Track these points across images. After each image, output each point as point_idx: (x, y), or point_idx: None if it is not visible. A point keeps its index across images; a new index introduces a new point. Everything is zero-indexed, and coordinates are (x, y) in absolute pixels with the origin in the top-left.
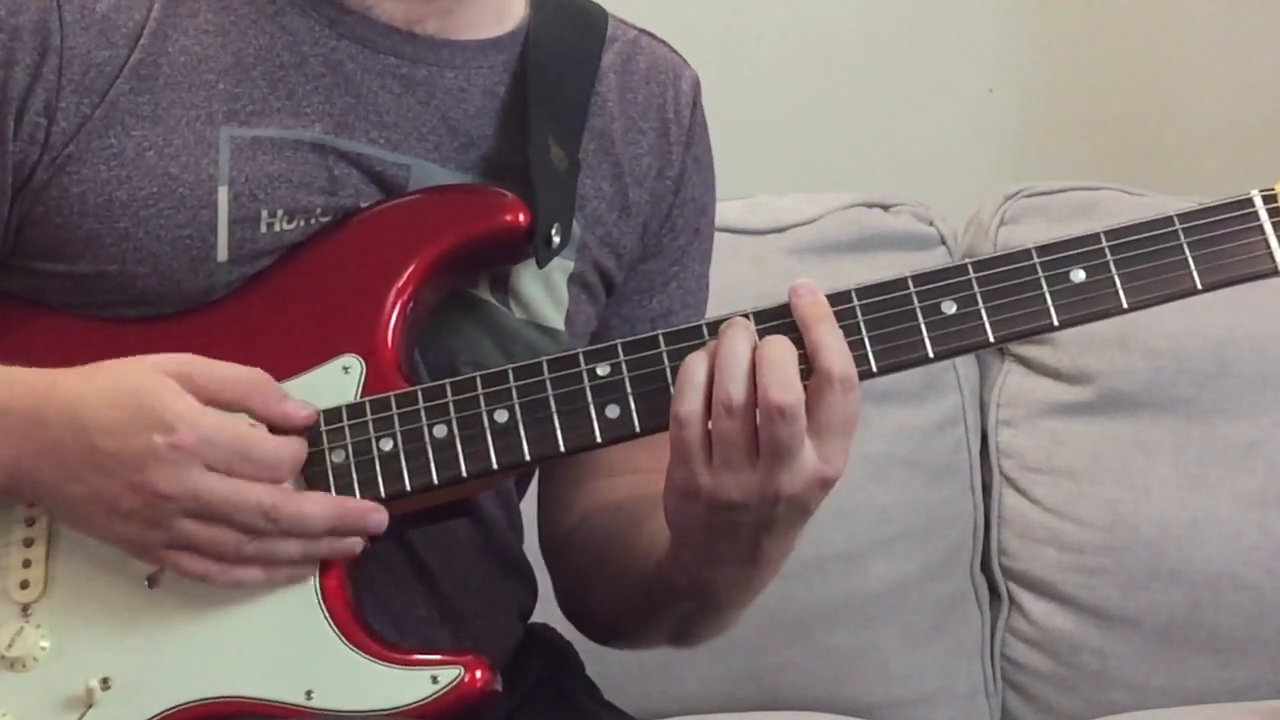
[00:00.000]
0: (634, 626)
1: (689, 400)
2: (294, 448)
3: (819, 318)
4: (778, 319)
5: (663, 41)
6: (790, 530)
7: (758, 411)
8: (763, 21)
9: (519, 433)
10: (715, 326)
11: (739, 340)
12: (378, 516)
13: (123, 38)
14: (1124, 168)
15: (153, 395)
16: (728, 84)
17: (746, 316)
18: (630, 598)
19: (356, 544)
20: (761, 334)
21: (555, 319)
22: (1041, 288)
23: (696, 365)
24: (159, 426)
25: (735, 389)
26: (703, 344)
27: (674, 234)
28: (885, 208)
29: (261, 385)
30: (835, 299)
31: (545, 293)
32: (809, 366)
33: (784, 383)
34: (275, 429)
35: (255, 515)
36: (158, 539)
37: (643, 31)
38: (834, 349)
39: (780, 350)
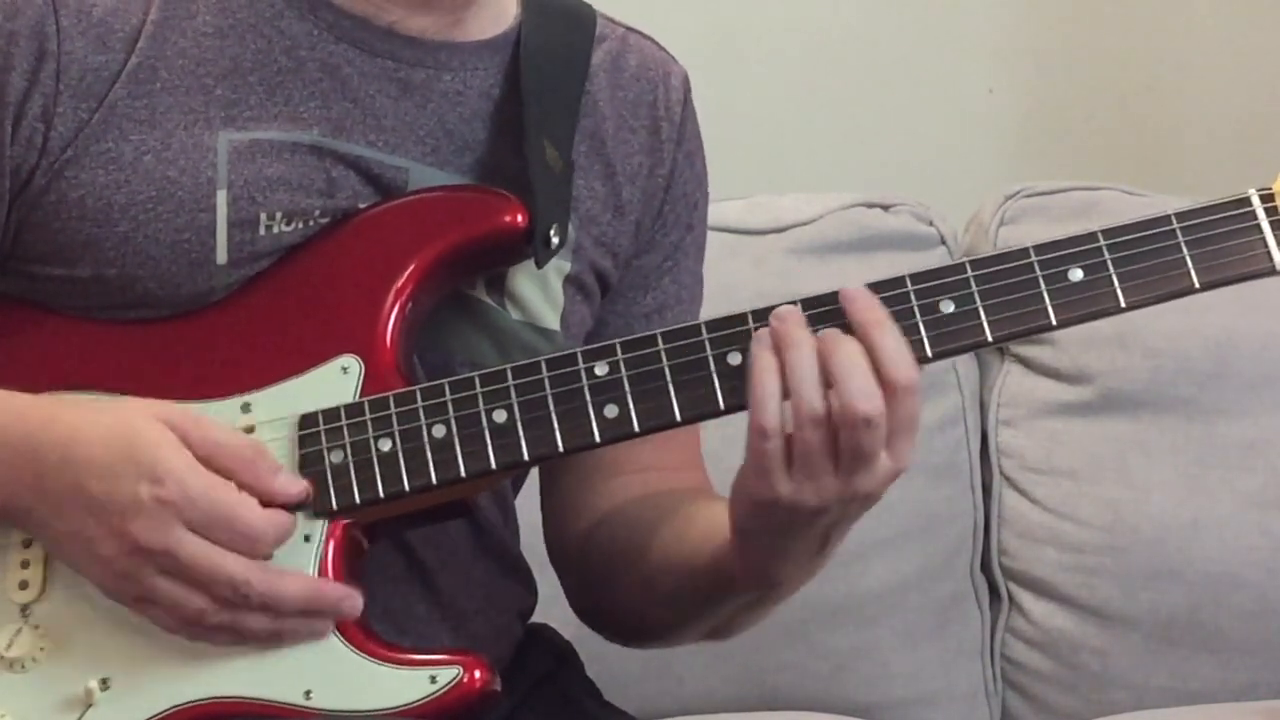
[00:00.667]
0: (673, 623)
1: (771, 413)
2: (278, 522)
3: (877, 322)
4: (824, 306)
5: (651, 39)
6: (856, 519)
7: (838, 420)
8: (763, 21)
9: (517, 433)
10: (712, 324)
11: (803, 343)
12: (351, 603)
13: (120, 42)
14: (1124, 168)
15: (148, 445)
16: (727, 84)
17: (794, 304)
18: (672, 596)
19: (326, 628)
20: (812, 323)
21: (551, 320)
22: (1039, 287)
23: (769, 374)
24: (148, 477)
25: (817, 400)
26: (700, 342)
27: (666, 230)
28: (885, 208)
29: (254, 458)
30: (831, 299)
31: (541, 294)
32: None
33: (867, 392)
34: (264, 503)
35: (226, 587)
36: (129, 590)
37: (631, 29)
38: (897, 357)
39: (853, 357)
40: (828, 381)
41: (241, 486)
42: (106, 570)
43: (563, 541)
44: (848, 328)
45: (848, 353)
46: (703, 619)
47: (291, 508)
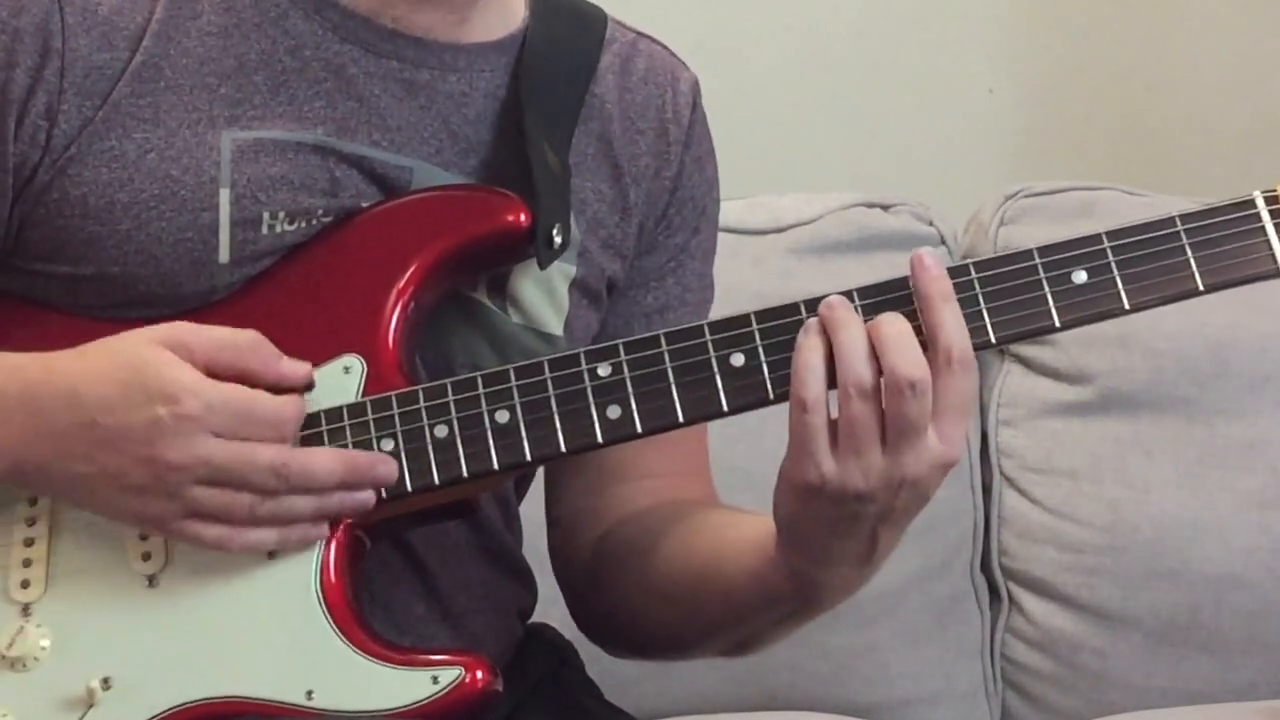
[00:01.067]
0: (692, 635)
1: (813, 385)
2: (295, 405)
3: (941, 294)
4: (878, 297)
5: (662, 44)
6: (905, 521)
7: (884, 390)
8: (763, 21)
9: (520, 433)
10: (715, 325)
11: (854, 323)
12: (387, 467)
13: (124, 40)
14: (1124, 168)
15: (151, 367)
16: (728, 84)
17: (848, 295)
18: (695, 607)
19: (369, 498)
20: (865, 312)
21: (554, 324)
22: (1043, 289)
23: (812, 350)
24: (161, 398)
25: (865, 369)
26: (703, 343)
27: (670, 232)
28: (885, 208)
29: (257, 346)
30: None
31: (546, 298)
32: (927, 346)
33: (912, 360)
34: (273, 389)
35: (266, 474)
36: (171, 510)
37: (641, 34)
38: (954, 327)
39: (901, 328)
40: (874, 354)
41: (250, 376)
42: (144, 499)
43: (571, 551)
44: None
45: (898, 326)
46: (732, 632)
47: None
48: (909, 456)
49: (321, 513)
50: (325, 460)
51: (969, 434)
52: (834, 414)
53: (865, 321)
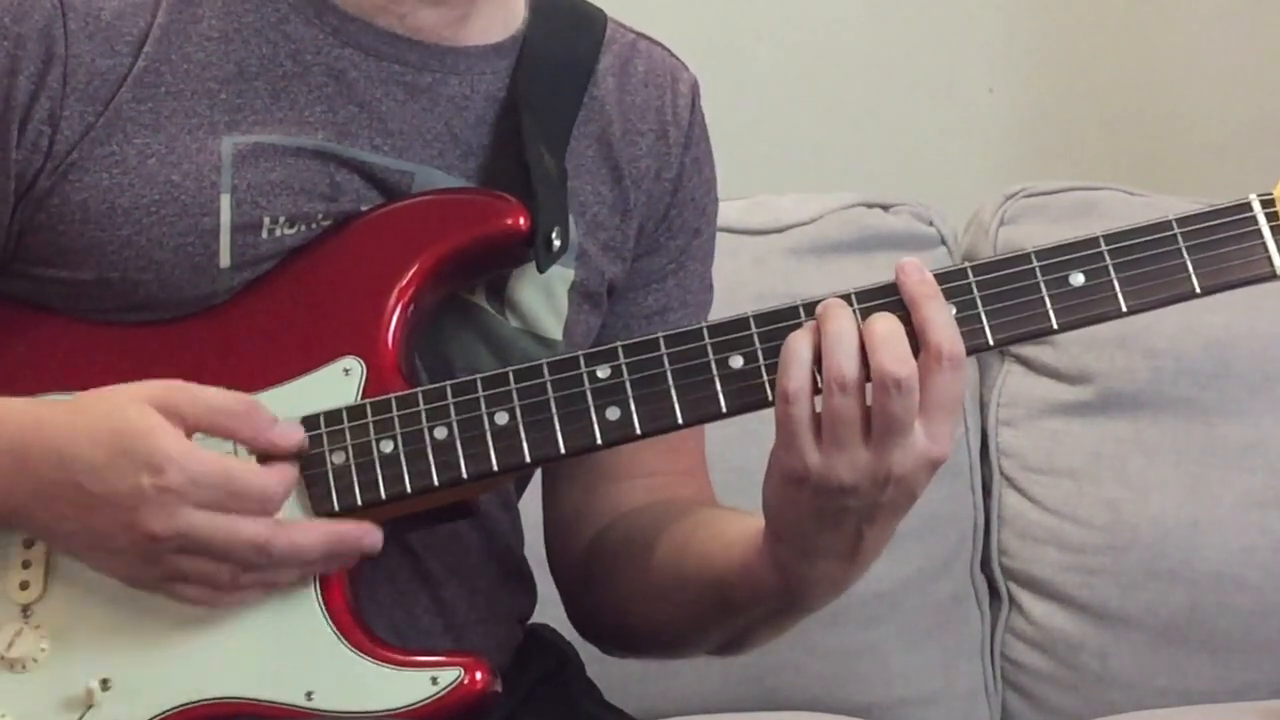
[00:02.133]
0: (684, 633)
1: (796, 376)
2: (284, 476)
3: (927, 295)
4: (881, 299)
5: (661, 45)
6: (893, 519)
7: (870, 388)
8: (763, 21)
9: (519, 434)
10: (715, 328)
11: (845, 318)
12: (372, 539)
13: (126, 45)
14: (1124, 168)
15: (139, 434)
16: (728, 84)
17: (846, 298)
18: (686, 604)
19: (353, 562)
20: (862, 314)
21: (553, 329)
22: (1041, 291)
23: (801, 342)
24: (146, 468)
25: (849, 364)
26: (703, 346)
27: (671, 234)
28: (885, 208)
29: (248, 413)
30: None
31: (545, 302)
32: (916, 345)
33: (898, 356)
34: (264, 457)
35: (248, 551)
36: (152, 574)
37: (641, 35)
38: (944, 325)
39: (891, 326)
40: (863, 350)
41: (240, 443)
42: (126, 562)
43: (567, 549)
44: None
45: (888, 324)
46: (719, 629)
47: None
48: (895, 453)
49: (305, 577)
50: (310, 536)
51: (969, 434)
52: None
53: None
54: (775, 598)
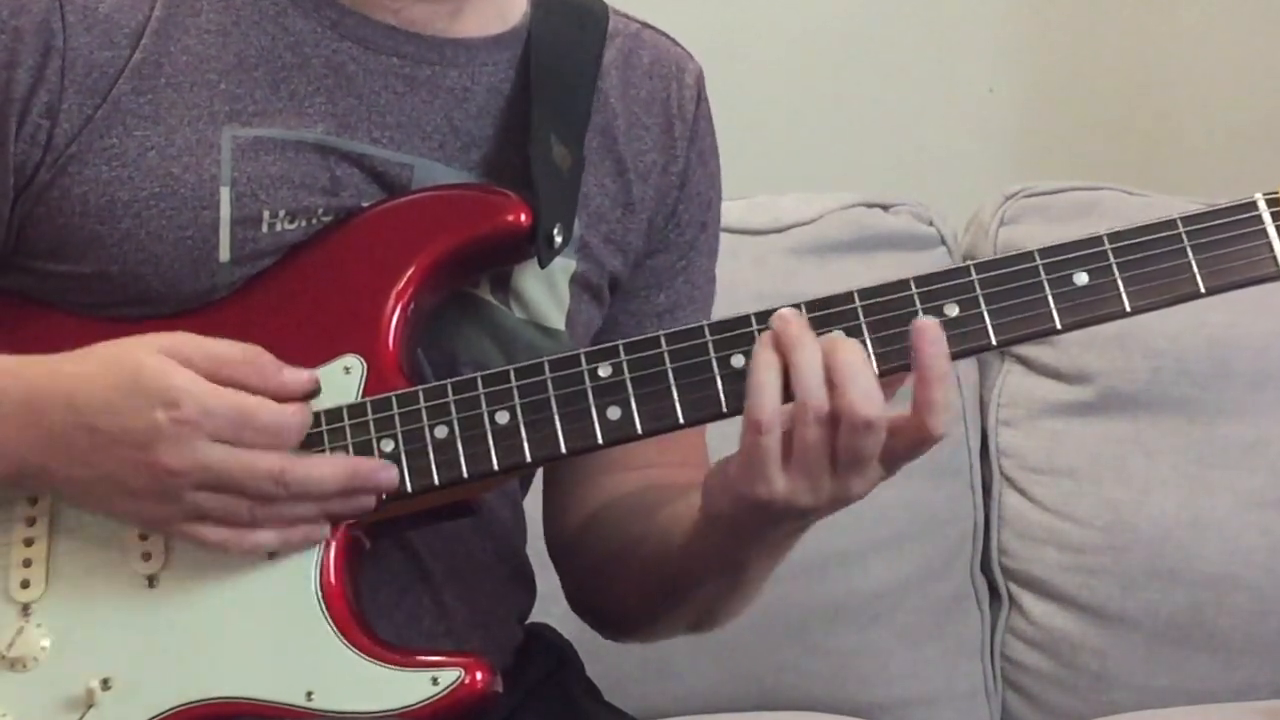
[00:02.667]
0: (656, 616)
1: (768, 407)
2: (297, 413)
3: (939, 377)
4: (826, 309)
5: (666, 35)
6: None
7: (841, 422)
8: (763, 21)
9: (520, 434)
10: (716, 326)
11: (808, 344)
12: (388, 474)
13: (125, 37)
14: (1124, 168)
15: (151, 372)
16: (728, 83)
17: (798, 308)
18: (653, 587)
19: (370, 503)
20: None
21: (556, 319)
22: (1044, 290)
23: (769, 370)
24: (161, 402)
25: (823, 397)
26: (704, 344)
27: (680, 229)
28: (885, 208)
29: (256, 358)
30: (837, 300)
31: (547, 293)
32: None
33: (868, 394)
34: (275, 399)
35: (266, 482)
36: (171, 513)
37: (645, 25)
38: (939, 409)
39: (856, 357)
40: (831, 382)
41: (251, 390)
42: (143, 503)
43: (560, 535)
44: (850, 332)
45: (852, 355)
46: (682, 609)
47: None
48: (856, 481)
49: (323, 516)
50: (326, 468)
51: (969, 434)
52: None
53: (819, 334)
54: (717, 577)
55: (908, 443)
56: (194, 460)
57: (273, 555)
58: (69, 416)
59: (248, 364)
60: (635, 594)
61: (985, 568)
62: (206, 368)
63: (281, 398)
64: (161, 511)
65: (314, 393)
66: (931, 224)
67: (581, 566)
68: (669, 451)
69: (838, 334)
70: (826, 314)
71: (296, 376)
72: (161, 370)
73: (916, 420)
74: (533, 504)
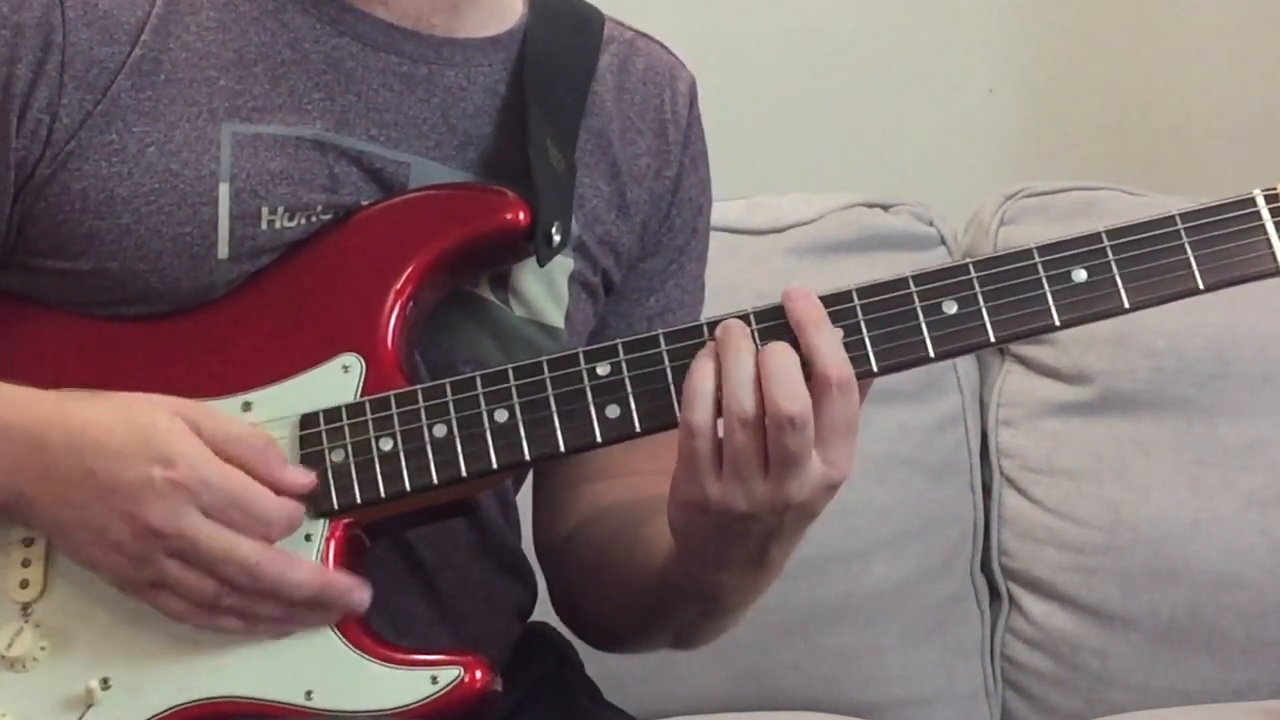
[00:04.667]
0: (635, 630)
1: (700, 410)
2: (290, 510)
3: (813, 321)
4: (777, 319)
5: (660, 43)
6: (796, 534)
7: (766, 422)
8: (763, 21)
9: (519, 433)
10: (716, 326)
11: (742, 349)
12: (359, 595)
13: (124, 33)
14: (1124, 168)
15: (159, 429)
16: (728, 84)
17: (745, 318)
18: (632, 602)
19: (334, 619)
20: (761, 335)
21: (555, 317)
22: (1043, 287)
23: (704, 375)
24: (160, 460)
25: (746, 402)
26: (703, 342)
27: (672, 233)
28: (885, 208)
29: (266, 447)
30: (835, 299)
31: (546, 291)
32: (808, 372)
33: (791, 393)
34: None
35: (239, 570)
36: (141, 575)
37: (639, 33)
38: (829, 353)
39: (783, 359)
40: (758, 386)
41: (252, 474)
42: (117, 556)
43: (546, 543)
44: (848, 330)
45: (780, 357)
46: (661, 627)
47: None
48: (792, 484)
49: (287, 620)
50: (301, 574)
51: (969, 434)
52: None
53: (761, 345)
54: (693, 603)
55: (826, 409)
56: (177, 525)
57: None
58: (68, 455)
59: (255, 449)
60: (617, 610)
61: (985, 568)
62: (215, 441)
63: (279, 492)
64: (132, 571)
65: (312, 495)
66: (931, 224)
67: (566, 578)
68: (657, 459)
69: (775, 342)
70: (776, 325)
71: (298, 476)
72: (169, 429)
73: (815, 377)
74: (529, 503)
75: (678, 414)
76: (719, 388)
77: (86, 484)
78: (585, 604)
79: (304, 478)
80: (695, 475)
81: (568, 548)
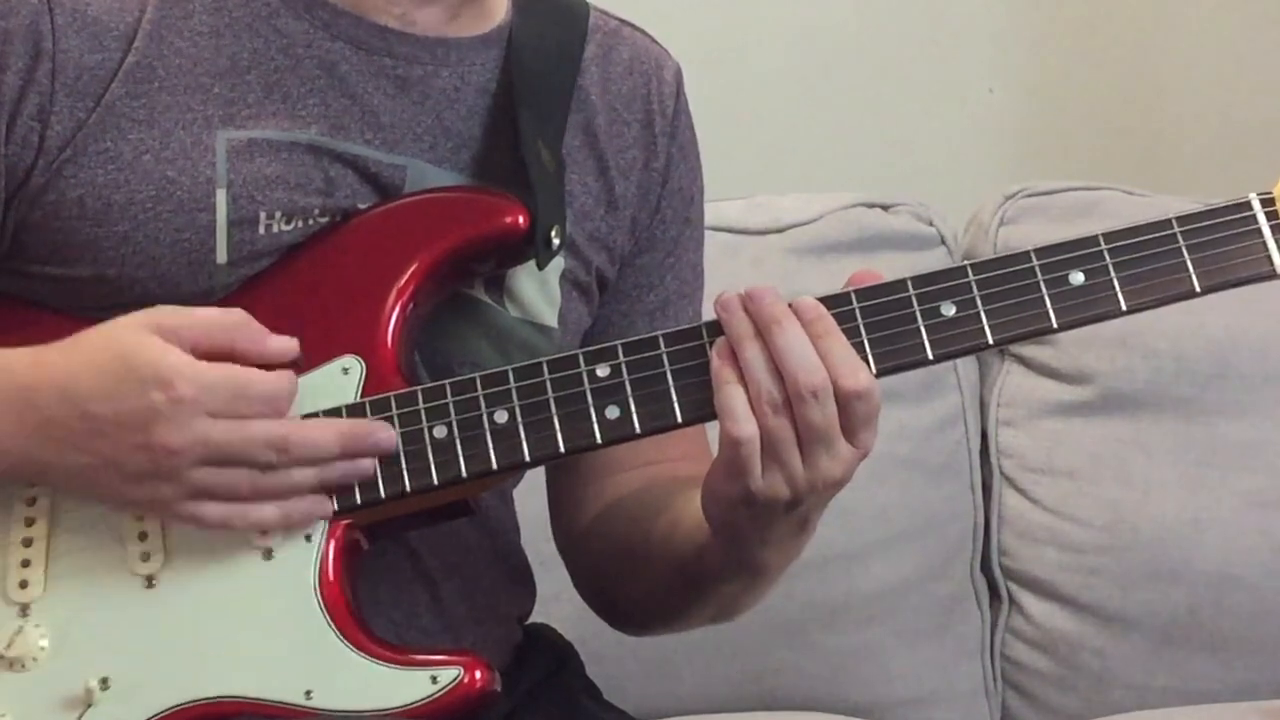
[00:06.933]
0: (674, 612)
1: (744, 421)
2: (288, 380)
3: (827, 332)
4: None
5: (644, 32)
6: (830, 499)
7: (790, 399)
8: (763, 21)
9: (519, 434)
10: (714, 327)
11: (751, 340)
12: (385, 434)
13: (115, 40)
14: (1124, 168)
15: (142, 353)
16: (728, 83)
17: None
18: (668, 585)
19: (370, 466)
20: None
21: (549, 317)
22: (1040, 290)
23: (732, 385)
24: (155, 383)
25: (772, 385)
26: (702, 344)
27: (664, 225)
28: (885, 208)
29: (243, 324)
30: (835, 301)
31: (540, 291)
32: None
33: (809, 365)
34: (262, 366)
35: (265, 449)
36: (173, 493)
37: (623, 22)
38: (840, 360)
39: (790, 335)
40: (774, 368)
41: (238, 355)
42: (145, 486)
43: (568, 536)
44: (848, 332)
45: (788, 336)
46: (702, 605)
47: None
48: (824, 460)
49: (324, 484)
50: (323, 431)
51: (969, 434)
52: None
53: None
54: (735, 579)
55: (856, 411)
56: (194, 437)
57: (270, 555)
58: (63, 406)
59: (236, 329)
60: (650, 592)
61: (985, 568)
62: (195, 336)
63: (269, 363)
64: (161, 493)
65: (297, 361)
66: (931, 224)
67: (591, 566)
68: (670, 448)
69: (774, 321)
70: None
71: (281, 343)
72: (152, 349)
73: (835, 385)
74: (534, 503)
75: (678, 415)
76: (745, 386)
77: (89, 427)
78: (616, 593)
79: (288, 344)
80: (742, 477)
81: (589, 540)
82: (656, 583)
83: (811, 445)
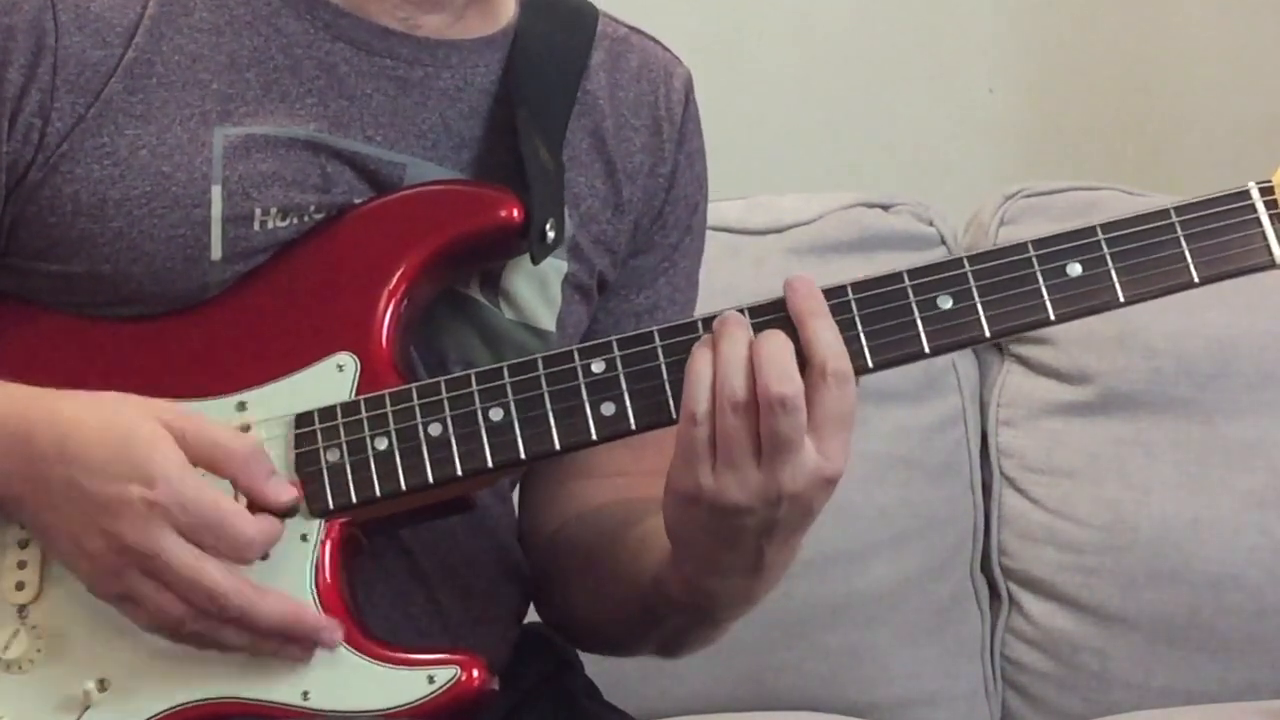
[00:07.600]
0: (620, 635)
1: (702, 399)
2: (268, 528)
3: (813, 312)
4: (773, 313)
5: (655, 39)
6: (792, 536)
7: (759, 405)
8: (763, 21)
9: (514, 431)
10: (710, 322)
11: (737, 338)
12: (330, 634)
13: (117, 36)
14: (1124, 168)
15: (143, 444)
16: (728, 84)
17: (742, 311)
18: (619, 607)
19: (306, 655)
20: (757, 329)
21: (547, 320)
22: (1038, 281)
23: (703, 363)
24: (140, 478)
25: (738, 384)
26: (698, 338)
27: (665, 231)
28: (885, 208)
29: (250, 459)
30: (831, 293)
31: (538, 293)
32: (805, 361)
33: (782, 375)
34: (255, 507)
35: (204, 598)
36: (112, 587)
37: (634, 30)
38: (828, 343)
39: (776, 344)
40: (751, 371)
41: (236, 486)
42: (92, 565)
43: (532, 539)
44: (843, 325)
45: (773, 343)
46: (648, 634)
47: (282, 514)
48: (785, 471)
49: (250, 649)
50: (270, 606)
51: (969, 434)
52: None
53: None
54: (685, 613)
55: (821, 398)
56: (151, 544)
57: (266, 556)
58: (56, 461)
59: (239, 459)
60: (601, 611)
61: (985, 568)
62: (198, 449)
63: (260, 504)
64: (103, 582)
65: (292, 511)
66: (931, 224)
67: (548, 573)
68: (643, 459)
69: (769, 330)
70: (774, 319)
71: (280, 491)
72: (153, 444)
73: (811, 365)
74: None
75: (673, 411)
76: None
77: (69, 492)
78: (566, 600)
79: (286, 493)
80: (690, 463)
81: (553, 544)
82: (611, 599)
83: (773, 453)
